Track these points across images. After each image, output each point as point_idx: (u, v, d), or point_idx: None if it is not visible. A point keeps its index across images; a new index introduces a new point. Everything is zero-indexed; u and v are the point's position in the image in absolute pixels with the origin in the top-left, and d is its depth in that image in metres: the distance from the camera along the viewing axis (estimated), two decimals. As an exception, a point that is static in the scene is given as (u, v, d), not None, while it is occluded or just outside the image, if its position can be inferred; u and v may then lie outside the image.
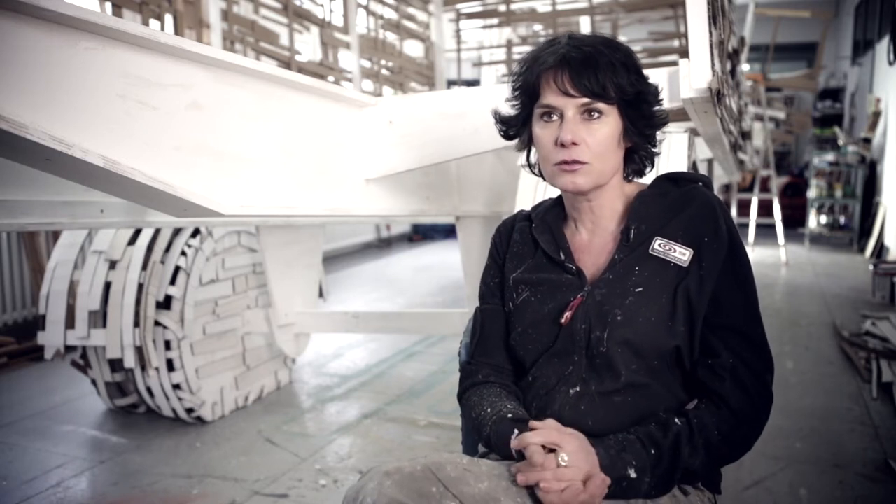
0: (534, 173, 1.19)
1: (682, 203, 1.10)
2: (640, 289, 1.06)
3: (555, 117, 1.06)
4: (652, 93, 1.10)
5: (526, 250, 1.19)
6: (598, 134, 1.05)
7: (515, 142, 1.18)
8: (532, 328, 1.12)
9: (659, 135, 1.15)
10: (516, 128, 1.15)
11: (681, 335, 1.06)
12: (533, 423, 1.03)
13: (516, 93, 1.12)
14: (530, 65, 1.08)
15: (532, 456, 0.98)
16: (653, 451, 1.01)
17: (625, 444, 1.01)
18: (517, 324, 1.15)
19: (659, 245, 1.08)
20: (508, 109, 1.16)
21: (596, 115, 1.05)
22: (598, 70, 1.03)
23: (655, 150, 1.15)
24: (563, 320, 1.09)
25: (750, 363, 1.06)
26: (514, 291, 1.16)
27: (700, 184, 1.14)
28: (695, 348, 1.07)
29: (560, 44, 1.06)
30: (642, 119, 1.09)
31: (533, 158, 1.18)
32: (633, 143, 1.10)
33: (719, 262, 1.06)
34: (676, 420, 1.04)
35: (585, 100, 1.04)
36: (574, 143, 1.04)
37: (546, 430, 1.01)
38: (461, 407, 1.22)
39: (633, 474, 0.99)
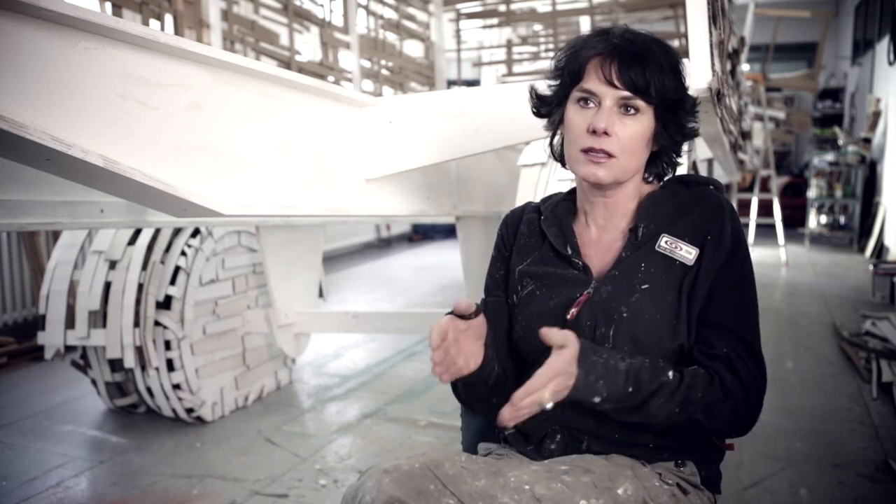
0: (553, 157, 1.19)
1: (692, 204, 1.11)
2: (646, 285, 1.07)
3: (592, 104, 1.06)
4: (690, 102, 1.10)
5: (533, 242, 1.19)
6: (630, 130, 1.05)
7: (544, 122, 1.18)
8: (536, 322, 1.12)
9: (685, 146, 1.15)
10: (550, 107, 1.14)
11: (684, 334, 1.06)
12: (548, 334, 0.99)
13: (558, 72, 1.11)
14: (579, 47, 1.08)
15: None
16: (630, 390, 1.00)
17: (609, 372, 0.99)
18: (521, 317, 1.15)
19: (665, 242, 1.08)
20: (545, 88, 1.15)
21: (632, 111, 1.05)
22: (647, 67, 1.03)
23: (679, 158, 1.15)
24: (568, 316, 1.09)
25: (744, 358, 1.06)
26: (520, 284, 1.16)
27: (711, 187, 1.14)
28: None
29: (613, 34, 1.06)
30: (675, 125, 1.09)
31: (556, 142, 1.18)
32: (660, 147, 1.11)
33: (719, 260, 1.06)
34: (670, 373, 1.02)
35: (627, 93, 1.04)
36: (606, 133, 1.04)
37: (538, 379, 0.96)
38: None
39: (596, 400, 1.00)
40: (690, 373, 1.04)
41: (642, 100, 1.04)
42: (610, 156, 1.05)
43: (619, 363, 1.01)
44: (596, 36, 1.08)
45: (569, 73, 1.08)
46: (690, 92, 1.35)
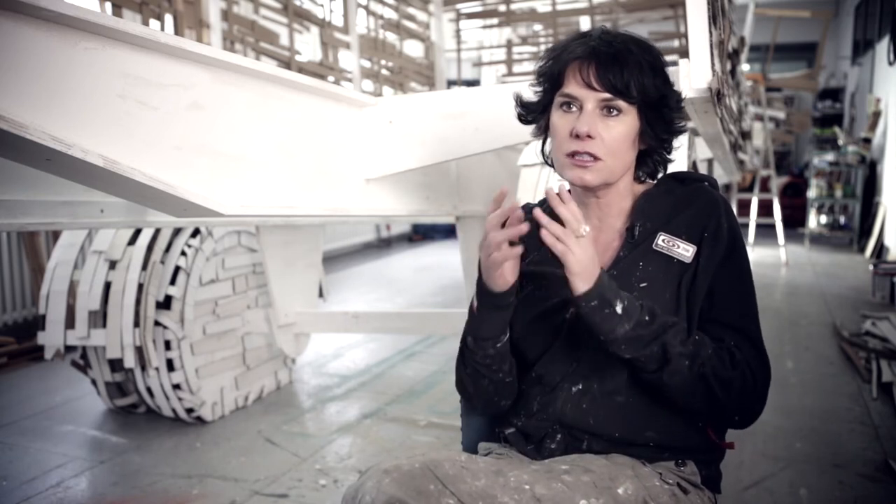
0: (546, 163, 1.20)
1: (687, 201, 1.11)
2: (644, 284, 1.07)
3: (574, 108, 1.07)
4: (675, 99, 1.10)
5: (531, 244, 1.19)
6: (614, 131, 1.05)
7: (531, 128, 1.18)
8: (536, 322, 1.12)
9: (675, 142, 1.15)
10: (535, 113, 1.15)
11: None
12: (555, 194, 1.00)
13: (540, 78, 1.12)
14: (558, 53, 1.09)
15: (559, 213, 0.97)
16: (646, 318, 1.00)
17: (625, 293, 1.00)
18: (520, 317, 1.15)
19: (663, 241, 1.08)
20: (530, 95, 1.16)
21: (615, 112, 1.05)
22: (625, 68, 1.03)
23: (670, 156, 1.15)
24: (567, 315, 1.09)
25: (749, 356, 1.06)
26: (518, 284, 1.16)
27: (706, 183, 1.14)
28: None
29: (591, 37, 1.07)
30: (661, 123, 1.09)
31: (547, 148, 1.18)
32: (649, 146, 1.11)
33: (717, 258, 1.07)
34: (677, 319, 1.03)
35: (607, 95, 1.04)
36: (589, 136, 1.04)
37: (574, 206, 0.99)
38: (460, 391, 1.22)
39: (618, 309, 0.98)
40: (698, 333, 1.04)
41: (623, 100, 1.05)
42: (596, 158, 1.05)
43: (630, 294, 1.01)
44: (574, 39, 1.09)
45: (549, 78, 1.09)
46: (691, 92, 1.34)
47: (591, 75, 1.04)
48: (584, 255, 0.97)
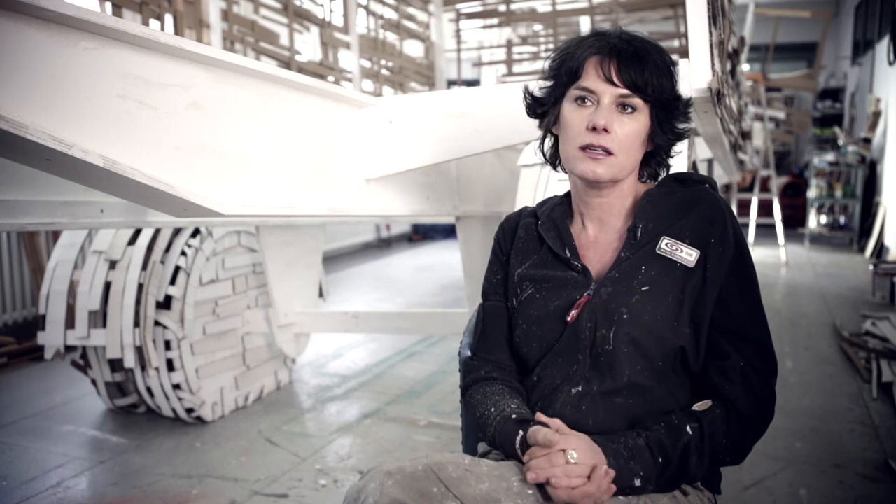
0: (545, 159, 1.20)
1: (690, 204, 1.11)
2: (646, 287, 1.07)
3: (590, 102, 1.07)
4: (683, 103, 1.12)
5: (531, 246, 1.19)
6: (628, 127, 1.06)
7: (535, 124, 1.18)
8: (537, 325, 1.12)
9: (677, 147, 1.17)
10: (546, 107, 1.15)
11: (686, 336, 1.06)
12: (539, 417, 1.03)
13: (554, 72, 1.12)
14: (576, 47, 1.09)
15: (540, 453, 0.98)
16: (660, 460, 1.01)
17: (634, 451, 1.01)
18: (521, 320, 1.15)
19: (666, 245, 1.08)
20: (539, 90, 1.16)
21: (630, 109, 1.06)
22: (645, 67, 1.05)
23: (671, 159, 1.16)
24: (568, 318, 1.09)
25: (758, 366, 1.07)
26: (519, 288, 1.16)
27: (707, 185, 1.14)
28: (700, 351, 1.07)
29: (610, 35, 1.08)
30: (670, 124, 1.10)
31: (546, 145, 1.18)
32: (655, 146, 1.12)
33: (725, 265, 1.06)
34: (688, 427, 1.03)
35: (625, 91, 1.05)
36: (606, 130, 1.04)
37: (550, 432, 1.00)
38: (464, 402, 1.22)
39: (637, 483, 1.00)
40: (708, 419, 1.05)
41: (640, 98, 1.06)
42: (609, 153, 1.05)
43: (637, 440, 1.02)
44: (592, 37, 1.09)
45: (566, 72, 1.09)
46: (691, 92, 1.35)
47: (612, 70, 1.05)
48: (596, 488, 0.96)
